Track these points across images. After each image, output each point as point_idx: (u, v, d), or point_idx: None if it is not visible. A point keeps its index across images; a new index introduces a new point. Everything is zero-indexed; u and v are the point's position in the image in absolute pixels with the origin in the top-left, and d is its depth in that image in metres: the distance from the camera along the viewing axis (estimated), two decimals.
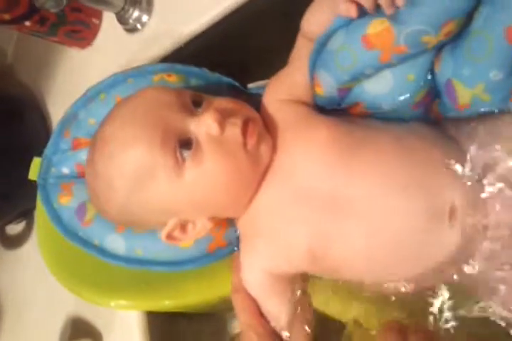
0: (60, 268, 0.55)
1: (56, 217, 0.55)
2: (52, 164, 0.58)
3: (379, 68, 0.42)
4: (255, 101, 0.52)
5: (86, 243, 0.53)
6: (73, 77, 0.72)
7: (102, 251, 0.52)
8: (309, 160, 0.43)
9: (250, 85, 0.55)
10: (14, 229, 0.78)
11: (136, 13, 0.61)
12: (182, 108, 0.44)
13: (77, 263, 0.54)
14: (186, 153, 0.42)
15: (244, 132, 0.43)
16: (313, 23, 0.44)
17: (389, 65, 0.41)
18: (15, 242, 0.77)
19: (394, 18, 0.38)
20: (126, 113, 0.44)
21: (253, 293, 0.46)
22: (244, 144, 0.43)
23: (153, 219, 0.46)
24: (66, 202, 0.55)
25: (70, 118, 0.57)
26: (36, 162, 0.59)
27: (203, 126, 0.43)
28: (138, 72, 0.55)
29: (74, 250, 0.53)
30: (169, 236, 0.46)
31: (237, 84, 0.55)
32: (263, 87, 0.53)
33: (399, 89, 0.42)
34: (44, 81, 0.76)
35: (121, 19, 0.62)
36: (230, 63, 0.58)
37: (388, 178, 0.41)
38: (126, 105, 0.45)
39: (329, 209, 0.42)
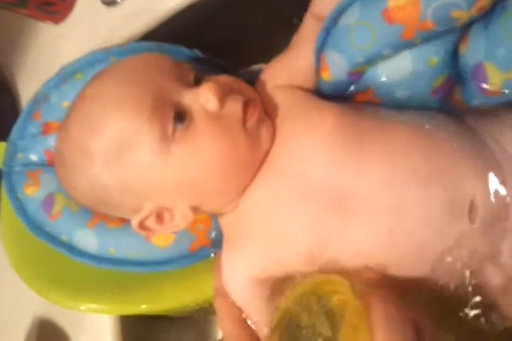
0: (24, 267, 0.50)
1: (21, 209, 0.50)
2: (18, 150, 0.52)
3: (399, 47, 0.37)
4: None
5: (53, 239, 0.48)
6: (46, 55, 0.66)
7: (71, 249, 0.47)
8: (311, 151, 0.39)
9: (242, 71, 0.50)
10: None
11: None
12: (180, 78, 0.39)
13: (44, 261, 0.49)
14: (177, 127, 0.37)
15: (245, 109, 0.39)
16: None
17: (410, 44, 0.37)
18: None
19: None
20: (116, 71, 0.40)
21: (235, 298, 0.41)
22: (244, 122, 0.39)
23: (127, 201, 0.40)
24: (32, 192, 0.50)
25: (41, 99, 0.52)
26: (1, 147, 0.54)
27: (201, 98, 0.38)
28: (120, 51, 0.49)
29: (41, 246, 0.48)
30: (142, 225, 0.41)
31: (229, 68, 0.50)
32: (256, 72, 0.48)
33: (418, 73, 0.38)
34: (14, 59, 0.70)
35: None
36: (219, 42, 0.53)
37: (403, 169, 0.37)
38: (117, 65, 0.41)
39: (334, 205, 0.37)
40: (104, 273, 0.46)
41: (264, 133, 0.40)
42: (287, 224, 0.39)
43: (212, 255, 0.46)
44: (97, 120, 0.38)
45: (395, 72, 0.39)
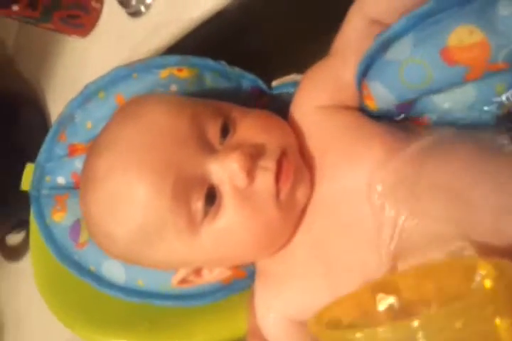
0: (53, 296, 0.49)
1: (49, 236, 0.48)
2: (45, 172, 0.50)
3: (461, 85, 0.32)
4: (281, 103, 0.43)
5: (81, 268, 0.45)
6: (75, 70, 0.65)
7: (99, 279, 0.44)
8: (357, 188, 0.34)
9: (274, 83, 0.45)
10: (14, 239, 0.72)
11: None
12: (202, 140, 0.35)
13: (73, 291, 0.48)
14: (207, 208, 0.34)
15: (278, 175, 0.34)
16: None
17: (475, 81, 0.32)
18: (15, 253, 0.71)
19: (490, 28, 0.29)
20: (126, 146, 0.35)
21: (270, 340, 0.38)
22: (277, 194, 0.34)
23: (160, 267, 0.39)
24: (59, 218, 0.48)
25: (66, 119, 0.49)
26: (29, 169, 0.51)
27: (227, 171, 0.34)
28: (144, 66, 0.45)
29: (70, 275, 0.46)
30: (182, 282, 0.39)
31: (260, 82, 0.45)
32: (290, 85, 0.44)
33: (484, 101, 0.33)
34: (44, 74, 0.69)
35: (123, 1, 0.53)
36: (248, 51, 0.49)
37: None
38: (125, 131, 0.36)
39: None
40: (134, 307, 0.43)
41: (300, 194, 0.35)
42: (343, 258, 0.34)
43: (247, 287, 0.42)
44: (116, 208, 0.34)
45: (454, 101, 0.34)
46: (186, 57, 0.45)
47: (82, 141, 0.47)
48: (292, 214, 0.36)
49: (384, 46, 0.33)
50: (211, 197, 0.34)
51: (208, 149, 0.35)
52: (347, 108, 0.38)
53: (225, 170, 0.34)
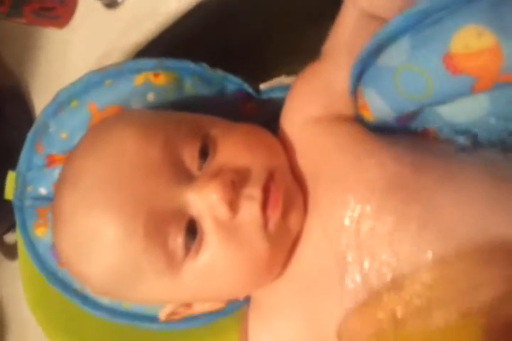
0: (39, 309, 0.47)
1: (33, 249, 0.46)
2: (27, 181, 0.48)
3: (470, 95, 0.28)
4: (270, 109, 0.39)
5: (65, 286, 0.44)
6: (56, 62, 0.61)
7: (84, 298, 0.43)
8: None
9: (262, 86, 0.41)
10: (12, 237, 0.70)
11: None
12: (178, 168, 0.31)
13: (57, 306, 0.45)
14: (188, 244, 0.31)
15: (265, 202, 0.31)
16: None
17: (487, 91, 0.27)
18: (14, 251, 0.70)
19: (503, 30, 0.24)
20: (91, 181, 0.32)
21: None
22: (265, 225, 0.31)
23: (145, 304, 0.39)
24: (41, 234, 0.46)
25: (41, 128, 0.46)
26: (11, 177, 0.49)
27: (207, 202, 0.30)
28: (117, 71, 0.42)
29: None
30: (171, 315, 0.37)
31: (246, 85, 0.41)
32: (280, 89, 0.40)
33: (498, 113, 0.29)
34: (28, 65, 0.65)
35: None
36: (235, 45, 0.45)
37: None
38: (90, 163, 0.33)
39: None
40: (118, 327, 0.42)
41: (293, 220, 0.32)
42: (324, 295, 0.32)
43: (238, 309, 0.40)
44: (86, 249, 0.32)
45: (464, 114, 0.30)
46: (163, 61, 0.40)
47: (59, 151, 0.45)
48: (283, 246, 0.33)
49: (378, 49, 0.29)
50: (192, 231, 0.31)
51: (185, 177, 0.31)
52: (342, 119, 0.34)
53: (203, 201, 0.30)
